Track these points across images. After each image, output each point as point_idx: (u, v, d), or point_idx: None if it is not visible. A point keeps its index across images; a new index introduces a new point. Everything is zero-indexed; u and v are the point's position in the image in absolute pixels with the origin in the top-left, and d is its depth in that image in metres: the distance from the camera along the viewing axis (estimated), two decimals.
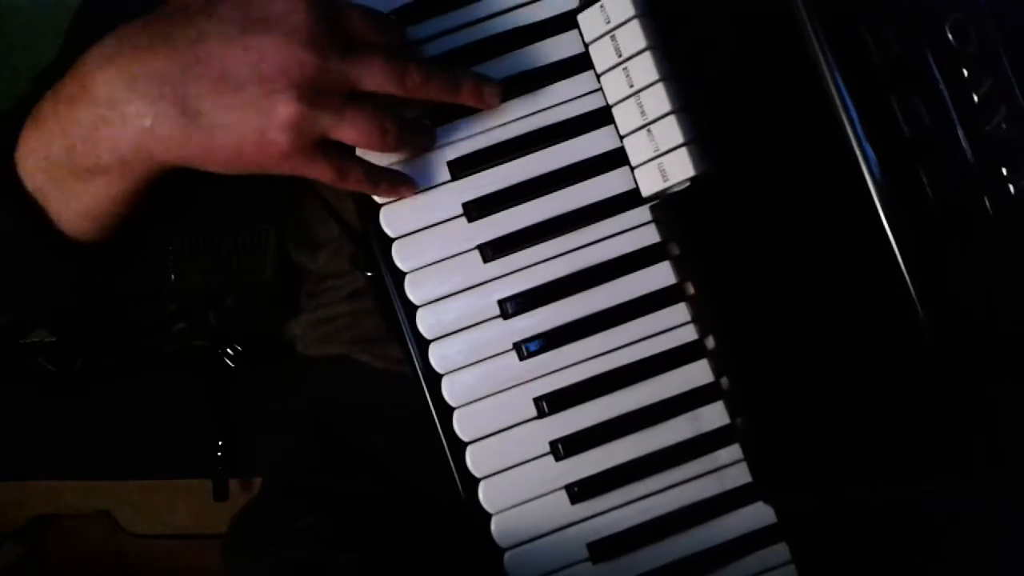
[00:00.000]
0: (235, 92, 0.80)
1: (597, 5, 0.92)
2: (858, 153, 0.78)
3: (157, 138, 0.82)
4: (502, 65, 0.94)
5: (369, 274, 0.97)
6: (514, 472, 0.93)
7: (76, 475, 1.59)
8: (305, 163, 0.84)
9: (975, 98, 0.80)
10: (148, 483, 1.59)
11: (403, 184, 0.91)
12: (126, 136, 0.82)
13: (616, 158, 0.94)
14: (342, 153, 0.86)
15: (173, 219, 1.08)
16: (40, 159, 0.86)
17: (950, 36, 0.80)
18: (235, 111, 0.80)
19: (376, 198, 0.92)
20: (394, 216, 0.93)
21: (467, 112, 0.93)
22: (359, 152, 0.90)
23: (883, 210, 0.78)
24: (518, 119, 0.94)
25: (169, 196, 0.90)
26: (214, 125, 0.81)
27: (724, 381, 0.93)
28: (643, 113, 0.90)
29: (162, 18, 0.82)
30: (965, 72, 0.80)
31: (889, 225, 0.78)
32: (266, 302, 1.24)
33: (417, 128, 0.90)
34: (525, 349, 0.93)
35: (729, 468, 0.94)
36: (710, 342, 0.93)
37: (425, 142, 0.92)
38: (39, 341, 1.25)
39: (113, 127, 0.82)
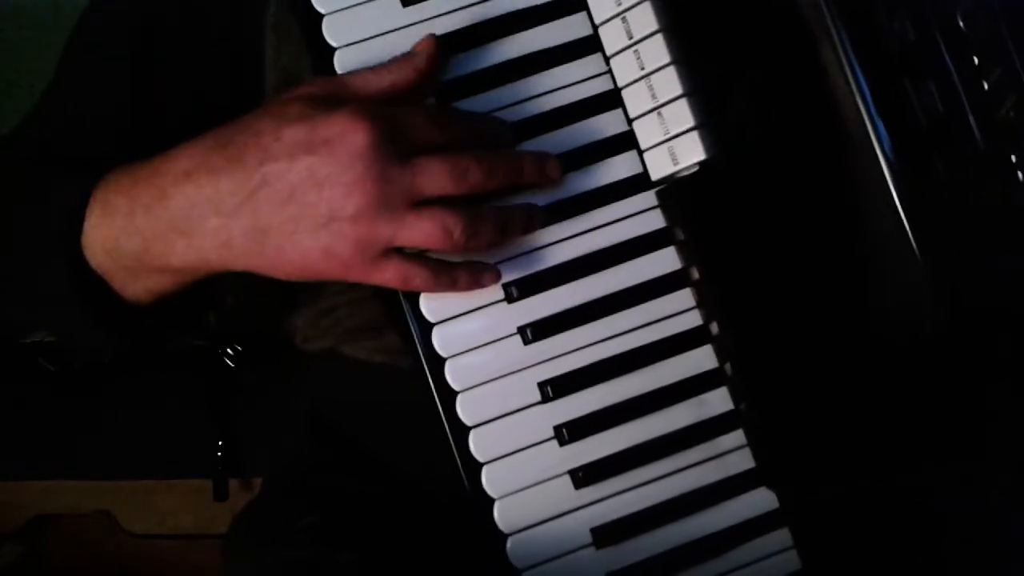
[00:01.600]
0: (300, 213, 0.83)
1: None
2: (873, 138, 0.78)
3: (229, 252, 0.86)
4: (510, 46, 0.94)
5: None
6: (518, 457, 0.92)
7: (76, 475, 1.59)
8: (370, 272, 0.87)
9: (985, 86, 0.80)
10: (148, 483, 1.59)
11: (479, 275, 0.92)
12: (199, 248, 0.86)
13: (623, 142, 0.94)
14: (407, 259, 0.87)
15: None
16: (110, 248, 0.90)
17: (961, 24, 0.80)
18: (301, 232, 0.84)
19: None
20: None
21: (470, 94, 0.93)
22: None
23: (898, 195, 0.78)
24: (524, 100, 0.93)
25: None
26: (282, 244, 0.84)
27: (728, 367, 0.93)
28: (654, 96, 0.90)
29: (235, 138, 0.85)
30: (976, 60, 0.80)
31: (904, 210, 0.78)
32: (266, 301, 1.23)
33: (488, 216, 0.90)
34: (529, 333, 0.92)
35: (732, 454, 0.94)
36: (715, 328, 0.93)
37: (497, 230, 0.91)
38: (39, 341, 1.25)
39: (188, 239, 0.86)
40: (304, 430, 1.23)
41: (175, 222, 0.86)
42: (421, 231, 0.85)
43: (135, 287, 0.92)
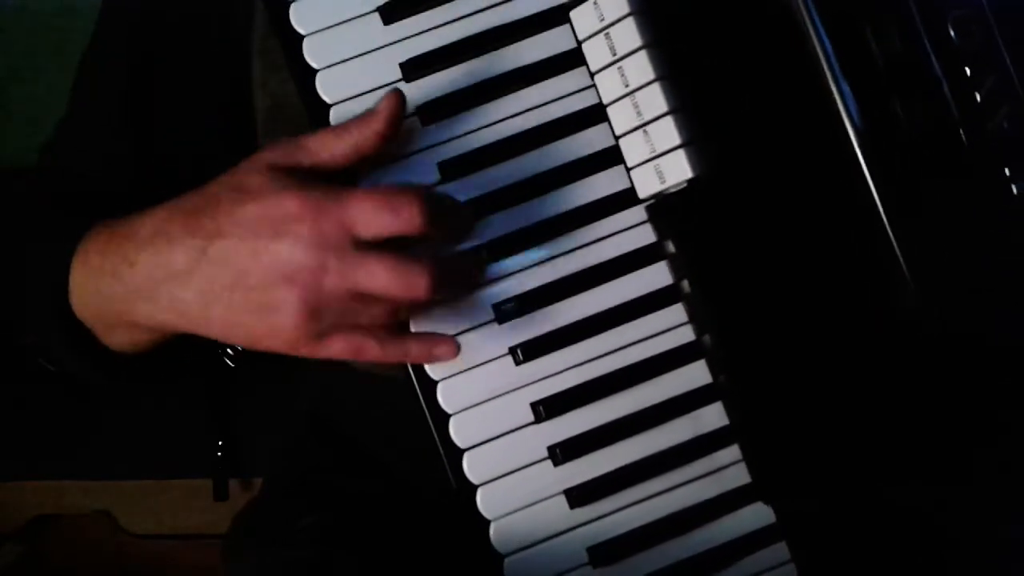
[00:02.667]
0: (245, 292, 0.84)
1: (590, 2, 0.91)
2: (860, 154, 0.77)
3: (185, 320, 0.88)
4: (492, 62, 0.93)
5: None
6: (512, 478, 0.92)
7: (76, 475, 1.60)
8: (318, 350, 0.87)
9: (977, 97, 0.79)
10: (148, 483, 1.59)
11: (432, 346, 0.91)
12: (158, 310, 0.88)
13: (610, 157, 0.93)
14: (354, 333, 0.87)
15: None
16: (87, 299, 0.93)
17: (952, 34, 0.79)
18: (248, 310, 0.84)
19: None
20: None
21: (454, 112, 0.92)
22: None
23: (885, 212, 0.77)
24: (509, 117, 0.92)
25: None
26: (230, 319, 0.85)
27: (722, 381, 0.92)
28: (639, 113, 0.89)
29: (195, 209, 0.87)
30: (967, 70, 0.79)
31: (891, 227, 0.77)
32: None
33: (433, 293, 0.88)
34: (521, 353, 0.91)
35: (728, 469, 0.94)
36: (707, 342, 0.92)
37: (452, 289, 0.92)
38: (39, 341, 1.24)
39: (149, 303, 0.88)
40: (304, 430, 1.23)
41: (137, 287, 0.88)
42: (366, 317, 0.86)
43: (115, 338, 0.95)
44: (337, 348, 0.87)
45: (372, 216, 0.83)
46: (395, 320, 0.88)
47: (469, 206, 0.92)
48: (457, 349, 0.91)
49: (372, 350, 0.88)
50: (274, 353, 0.88)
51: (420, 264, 0.83)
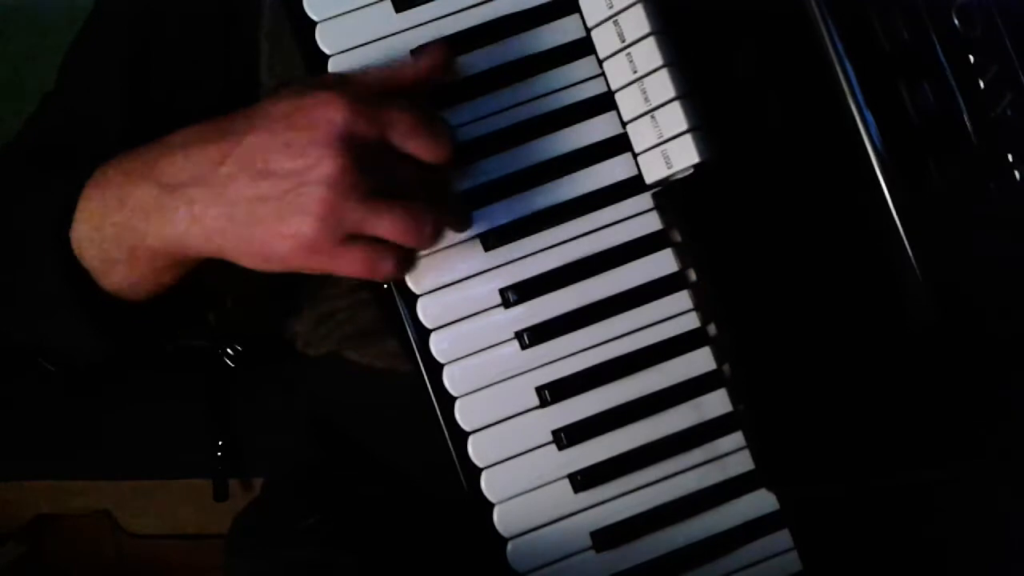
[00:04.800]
0: (270, 185, 0.82)
1: None
2: (866, 139, 0.78)
3: (198, 228, 0.84)
4: (503, 51, 0.93)
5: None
6: (516, 461, 0.92)
7: (76, 475, 1.59)
8: (335, 256, 0.84)
9: (981, 84, 0.80)
10: (148, 483, 1.58)
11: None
12: (173, 221, 0.85)
13: (618, 145, 0.93)
14: (374, 246, 0.85)
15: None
16: (92, 229, 0.89)
17: (956, 21, 0.80)
18: (269, 203, 0.82)
19: None
20: None
21: (463, 99, 0.93)
22: None
23: (891, 195, 0.77)
24: (518, 105, 0.93)
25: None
26: (248, 218, 0.83)
27: (726, 368, 0.93)
28: (647, 99, 0.90)
29: (233, 118, 0.86)
30: (971, 58, 0.80)
31: (897, 211, 0.78)
32: (266, 302, 1.23)
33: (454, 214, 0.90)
34: (526, 338, 0.92)
35: (731, 456, 0.94)
36: (712, 329, 0.93)
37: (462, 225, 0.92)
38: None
39: (163, 211, 0.85)
40: (305, 430, 1.23)
41: (156, 193, 0.85)
42: (391, 224, 0.83)
43: (115, 275, 0.91)
44: (357, 260, 0.84)
45: (411, 126, 0.83)
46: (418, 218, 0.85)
47: (479, 193, 0.93)
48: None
49: (389, 269, 0.86)
50: (290, 269, 0.85)
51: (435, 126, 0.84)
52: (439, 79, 0.90)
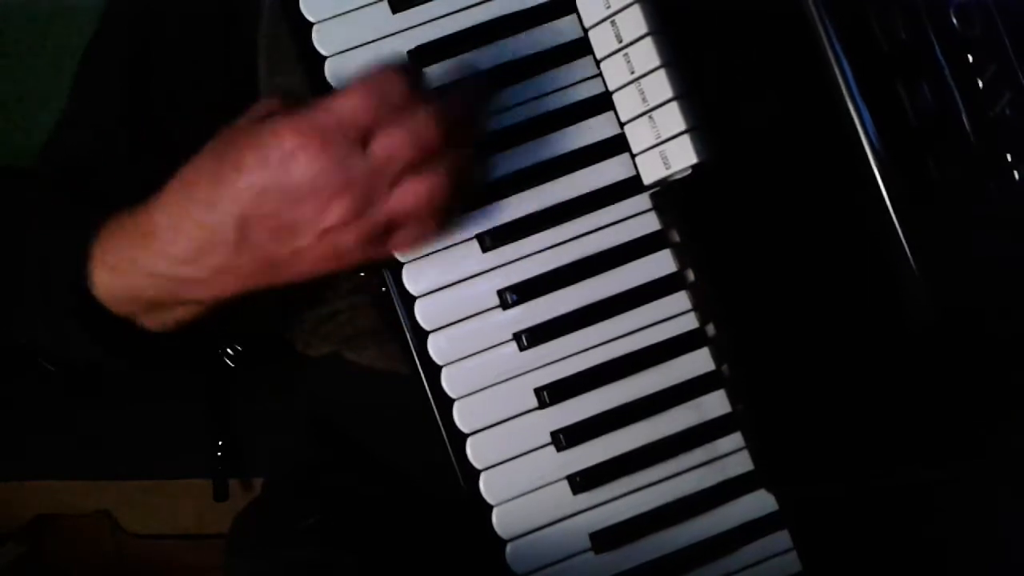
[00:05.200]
0: (293, 235, 0.83)
1: None
2: (865, 139, 0.78)
3: (246, 282, 0.87)
4: (500, 51, 0.93)
5: (362, 273, 0.97)
6: (515, 463, 0.92)
7: (76, 475, 1.59)
8: (384, 251, 0.87)
9: (980, 84, 0.80)
10: (148, 483, 1.59)
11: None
12: (209, 286, 0.87)
13: (616, 145, 0.93)
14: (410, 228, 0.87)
15: None
16: (122, 301, 0.91)
17: (954, 21, 0.80)
18: (304, 247, 0.83)
19: None
20: None
21: None
22: None
23: (889, 197, 0.77)
24: (515, 105, 0.93)
25: None
26: (291, 263, 0.84)
27: (725, 369, 0.93)
28: (644, 100, 0.90)
29: (201, 176, 0.85)
30: (970, 58, 0.80)
31: (895, 211, 0.78)
32: (266, 302, 1.23)
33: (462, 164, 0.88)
34: (525, 339, 0.92)
35: (730, 456, 0.94)
36: (711, 330, 0.93)
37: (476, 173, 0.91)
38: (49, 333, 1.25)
39: (197, 284, 0.87)
40: (305, 430, 1.23)
41: (180, 267, 0.86)
42: (415, 199, 0.83)
43: (153, 322, 0.93)
44: (403, 242, 0.87)
45: (363, 110, 0.82)
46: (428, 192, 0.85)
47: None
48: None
49: (429, 230, 0.87)
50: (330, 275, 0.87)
51: (425, 123, 0.82)
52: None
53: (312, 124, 0.81)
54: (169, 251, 0.86)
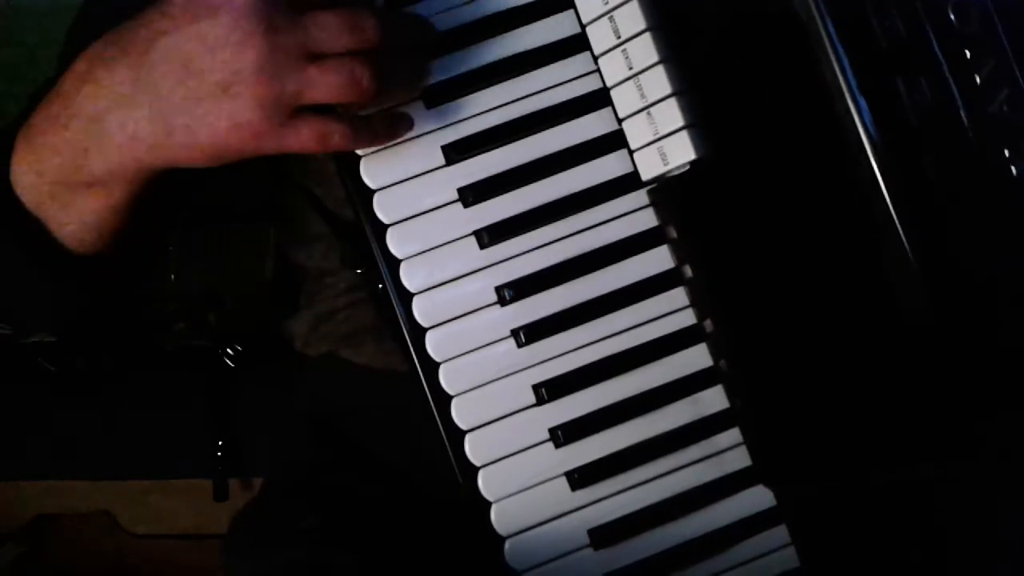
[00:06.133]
0: (198, 82, 0.80)
1: None
2: (863, 135, 0.78)
3: (140, 143, 0.83)
4: (498, 47, 0.93)
5: (359, 271, 0.97)
6: (513, 460, 0.92)
7: (76, 475, 1.59)
8: (283, 136, 0.82)
9: (977, 80, 0.80)
10: (148, 483, 1.59)
11: (399, 124, 0.91)
12: (112, 147, 0.84)
13: (613, 141, 0.93)
14: (321, 116, 0.84)
15: (172, 224, 1.07)
16: (35, 176, 0.88)
17: (952, 17, 0.80)
18: (203, 101, 0.81)
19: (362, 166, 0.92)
20: (386, 205, 0.92)
21: (458, 95, 0.92)
22: None
23: (888, 193, 0.78)
24: (514, 101, 0.93)
25: (167, 202, 0.91)
26: (188, 123, 0.81)
27: (723, 364, 0.93)
28: (643, 95, 0.90)
29: (124, 29, 0.83)
30: (967, 54, 0.80)
31: (893, 207, 0.78)
32: (266, 302, 1.23)
33: (395, 70, 0.87)
34: (523, 336, 0.92)
35: (728, 452, 0.94)
36: (708, 325, 0.93)
37: (407, 81, 0.90)
38: (39, 341, 1.25)
39: (99, 140, 0.84)
40: (304, 430, 1.23)
41: (82, 126, 0.84)
42: (326, 84, 0.81)
43: (69, 218, 0.90)
44: (306, 133, 0.83)
45: None
46: (353, 85, 0.82)
47: (475, 187, 0.92)
48: (411, 122, 0.91)
49: (341, 132, 0.84)
50: (244, 156, 0.83)
51: (365, 9, 0.82)
52: None
53: None
54: (72, 108, 0.84)
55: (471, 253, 0.92)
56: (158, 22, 0.81)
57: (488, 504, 0.92)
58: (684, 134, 0.88)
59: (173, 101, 0.81)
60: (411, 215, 0.92)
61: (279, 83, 0.80)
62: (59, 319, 0.98)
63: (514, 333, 0.92)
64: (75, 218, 0.89)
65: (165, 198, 0.91)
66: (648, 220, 0.94)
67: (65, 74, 0.86)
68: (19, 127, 0.91)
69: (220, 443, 1.48)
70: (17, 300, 0.95)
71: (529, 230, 0.93)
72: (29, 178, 0.88)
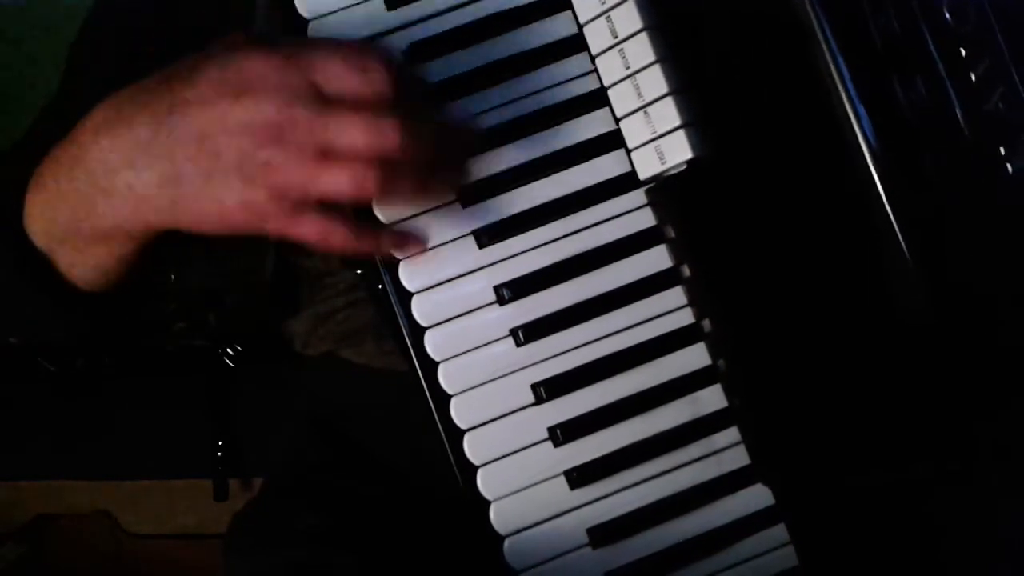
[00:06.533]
0: (211, 160, 0.80)
1: None
2: (859, 133, 0.78)
3: (148, 205, 0.83)
4: (495, 48, 0.93)
5: (359, 271, 0.97)
6: (512, 459, 0.92)
7: (76, 475, 1.60)
8: (288, 225, 0.83)
9: (973, 78, 0.80)
10: (148, 483, 1.59)
11: (407, 242, 0.92)
12: (120, 204, 0.84)
13: (611, 141, 0.93)
14: (326, 214, 0.84)
15: (179, 262, 1.08)
16: (46, 222, 0.89)
17: (948, 16, 0.80)
18: (213, 179, 0.81)
19: None
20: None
21: (457, 96, 0.93)
22: None
23: (884, 191, 0.78)
24: (510, 102, 0.93)
25: (174, 246, 0.90)
26: (197, 195, 0.81)
27: (721, 364, 0.93)
28: (640, 95, 0.90)
29: (148, 86, 0.84)
30: (963, 52, 0.80)
31: (890, 205, 0.78)
32: (266, 302, 1.23)
33: (407, 168, 0.86)
34: (521, 335, 0.92)
35: (727, 451, 0.94)
36: (707, 325, 0.93)
37: (415, 182, 0.88)
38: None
39: (108, 196, 0.84)
40: (304, 430, 1.23)
41: (94, 180, 0.84)
42: (333, 183, 0.81)
43: (77, 263, 0.91)
44: (308, 227, 0.83)
45: (341, 71, 0.80)
46: (362, 187, 0.82)
47: (472, 190, 0.93)
48: (424, 244, 0.91)
49: (342, 234, 0.84)
50: (246, 234, 0.83)
51: (391, 117, 0.80)
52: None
53: (291, 57, 0.80)
54: (85, 160, 0.84)
55: (470, 253, 0.92)
56: (183, 90, 0.81)
57: (487, 503, 0.92)
58: (681, 133, 0.89)
59: (185, 171, 0.81)
60: (409, 215, 0.92)
61: (290, 175, 0.80)
62: (64, 341, 1.00)
63: (513, 332, 0.92)
64: (82, 263, 0.90)
65: (172, 245, 0.91)
66: (646, 219, 0.94)
67: (83, 121, 0.86)
68: (27, 147, 0.92)
69: (220, 443, 1.48)
70: (24, 325, 0.97)
71: (527, 230, 0.93)
72: (40, 224, 0.89)
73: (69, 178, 0.85)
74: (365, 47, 0.85)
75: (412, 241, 0.91)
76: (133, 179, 0.83)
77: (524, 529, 0.92)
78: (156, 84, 0.83)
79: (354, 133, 0.80)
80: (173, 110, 0.81)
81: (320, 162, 0.80)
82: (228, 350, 1.44)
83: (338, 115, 0.80)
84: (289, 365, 1.26)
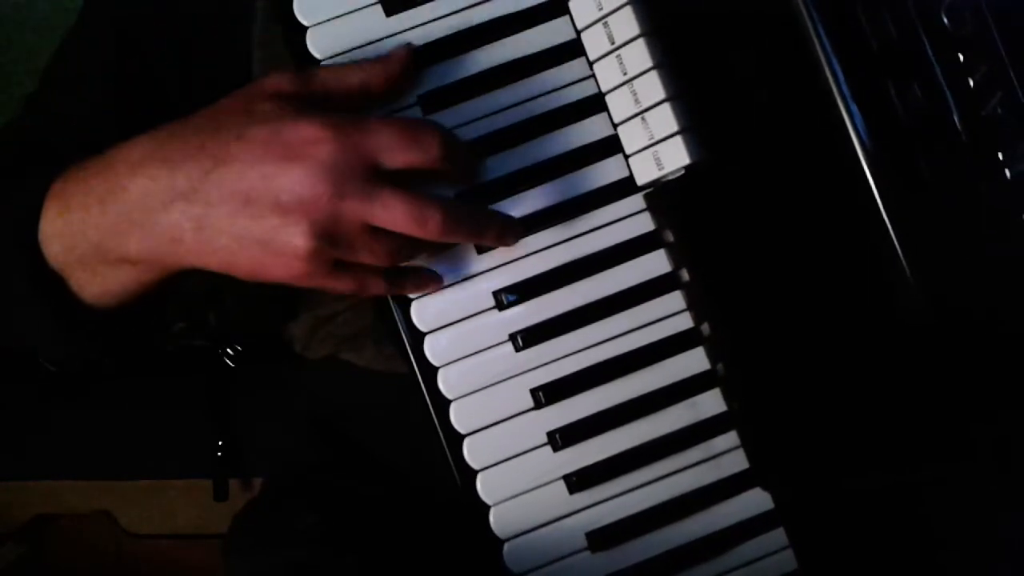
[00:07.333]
0: (253, 217, 0.81)
1: None
2: (856, 139, 0.78)
3: (180, 248, 0.83)
4: (492, 54, 0.93)
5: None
6: (512, 463, 0.93)
7: (76, 475, 1.59)
8: (324, 281, 0.84)
9: (971, 83, 0.80)
10: (148, 483, 1.59)
11: (429, 281, 0.92)
12: (153, 241, 0.84)
13: (609, 146, 0.93)
14: (361, 271, 0.86)
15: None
16: (68, 244, 0.88)
17: (945, 20, 0.80)
18: (253, 236, 0.81)
19: None
20: None
21: (455, 102, 0.93)
22: None
23: (880, 197, 0.78)
24: (508, 108, 0.93)
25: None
26: (233, 247, 0.82)
27: (720, 368, 0.93)
28: (637, 101, 0.90)
29: (195, 131, 0.84)
30: (961, 57, 0.80)
31: (886, 211, 0.78)
32: (266, 302, 1.23)
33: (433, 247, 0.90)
34: (521, 340, 0.92)
35: (726, 455, 0.94)
36: (706, 329, 0.93)
37: (437, 251, 0.92)
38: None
39: (142, 231, 0.84)
40: (304, 430, 1.23)
41: (129, 214, 0.84)
42: (372, 257, 0.84)
43: (93, 285, 0.90)
44: (345, 284, 0.85)
45: (396, 145, 0.81)
46: (398, 260, 0.87)
47: (470, 196, 0.92)
48: (440, 281, 0.92)
49: (377, 286, 0.87)
50: (277, 284, 0.84)
51: (435, 201, 0.82)
52: (407, 84, 0.91)
53: (346, 130, 0.81)
54: (119, 196, 0.84)
55: (469, 259, 0.93)
56: (233, 144, 0.81)
57: (487, 507, 0.92)
58: (678, 139, 0.88)
59: (222, 224, 0.81)
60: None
61: (329, 244, 0.81)
62: (68, 357, 1.00)
63: (512, 337, 0.93)
64: (99, 286, 0.90)
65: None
66: (644, 224, 0.94)
67: (119, 152, 0.86)
68: (16, 133, 0.92)
69: (220, 443, 1.48)
70: (30, 339, 0.96)
71: (527, 234, 0.93)
72: (60, 243, 0.88)
73: (101, 209, 0.85)
74: (417, 120, 0.87)
75: (434, 281, 0.92)
76: (169, 222, 0.83)
77: (523, 533, 0.93)
78: (203, 128, 0.83)
79: (400, 213, 0.81)
80: (219, 162, 0.81)
81: (362, 236, 0.82)
82: (228, 350, 1.44)
83: (386, 193, 0.81)
84: (289, 366, 1.26)
